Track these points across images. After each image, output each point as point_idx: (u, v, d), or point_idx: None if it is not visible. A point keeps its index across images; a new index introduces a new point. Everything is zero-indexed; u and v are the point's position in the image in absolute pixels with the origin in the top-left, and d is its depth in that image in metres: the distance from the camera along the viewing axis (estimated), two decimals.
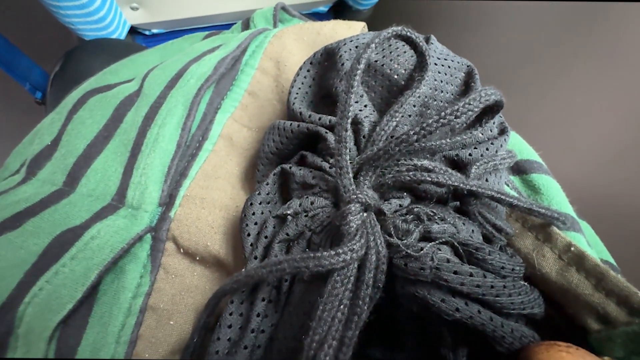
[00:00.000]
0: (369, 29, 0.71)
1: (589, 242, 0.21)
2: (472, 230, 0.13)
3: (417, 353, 0.16)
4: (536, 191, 0.22)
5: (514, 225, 0.17)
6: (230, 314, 0.13)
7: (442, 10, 0.64)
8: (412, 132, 0.12)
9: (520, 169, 0.23)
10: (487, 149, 0.16)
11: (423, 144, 0.13)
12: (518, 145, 0.24)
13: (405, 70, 0.16)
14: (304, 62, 0.20)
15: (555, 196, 0.21)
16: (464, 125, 0.14)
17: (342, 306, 0.11)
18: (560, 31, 0.48)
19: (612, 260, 0.22)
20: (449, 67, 0.17)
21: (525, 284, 0.14)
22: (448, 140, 0.13)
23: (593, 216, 0.26)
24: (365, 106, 0.16)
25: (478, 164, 0.14)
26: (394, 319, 0.16)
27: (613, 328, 0.13)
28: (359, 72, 0.13)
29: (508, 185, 0.22)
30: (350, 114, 0.13)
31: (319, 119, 0.16)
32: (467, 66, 0.18)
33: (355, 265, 0.11)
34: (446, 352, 0.14)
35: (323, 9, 0.59)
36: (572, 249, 0.15)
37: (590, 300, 0.14)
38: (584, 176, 0.46)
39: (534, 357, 0.12)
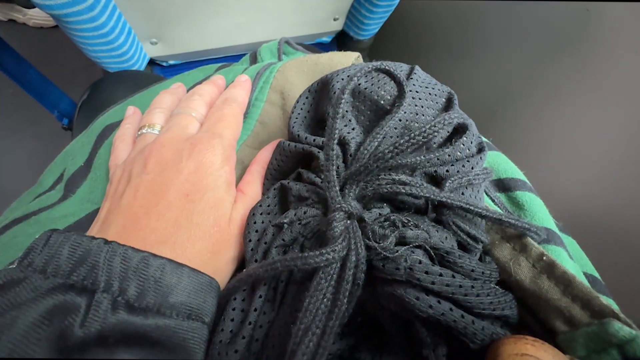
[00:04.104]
0: (370, 58, 0.75)
1: (570, 256, 0.22)
2: (446, 237, 0.15)
3: (403, 355, 0.17)
4: (520, 207, 0.23)
5: (493, 236, 0.19)
6: (233, 309, 0.15)
7: (438, 39, 0.67)
8: (386, 151, 0.14)
9: (505, 187, 0.25)
10: (463, 166, 0.18)
11: (399, 161, 0.15)
12: (504, 164, 0.26)
13: (390, 96, 0.19)
14: (304, 91, 0.22)
15: (537, 212, 0.23)
16: (437, 144, 0.16)
17: (325, 299, 0.12)
18: (552, 55, 0.50)
19: (596, 274, 0.23)
20: (430, 93, 0.19)
21: (496, 287, 0.15)
22: (422, 157, 0.15)
23: (581, 232, 0.27)
24: (353, 129, 0.18)
25: (452, 178, 0.16)
26: (380, 323, 0.17)
27: (577, 329, 0.14)
28: (343, 101, 0.15)
29: (494, 201, 0.24)
30: (336, 136, 0.15)
31: (313, 140, 0.18)
32: (448, 92, 0.20)
33: (338, 265, 0.13)
34: (428, 352, 0.15)
35: (326, 39, 0.64)
36: (544, 258, 0.17)
37: (559, 304, 0.15)
38: (575, 195, 0.47)
39: (502, 347, 0.13)
